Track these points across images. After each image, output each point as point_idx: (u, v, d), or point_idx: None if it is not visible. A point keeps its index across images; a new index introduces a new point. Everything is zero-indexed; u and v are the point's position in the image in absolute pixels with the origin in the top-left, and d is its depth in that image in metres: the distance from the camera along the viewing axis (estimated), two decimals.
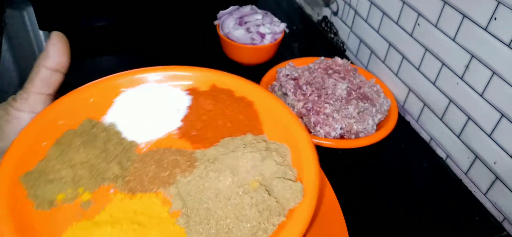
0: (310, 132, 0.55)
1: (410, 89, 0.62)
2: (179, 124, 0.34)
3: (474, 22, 0.49)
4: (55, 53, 0.31)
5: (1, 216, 0.26)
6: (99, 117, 0.35)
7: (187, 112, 0.35)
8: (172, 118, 0.35)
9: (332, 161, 0.51)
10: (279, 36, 0.68)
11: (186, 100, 0.36)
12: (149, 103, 0.36)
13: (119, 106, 0.35)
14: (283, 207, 0.26)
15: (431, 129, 0.59)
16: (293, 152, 0.30)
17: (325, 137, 0.54)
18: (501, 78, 0.46)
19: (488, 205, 0.52)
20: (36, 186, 0.29)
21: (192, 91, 0.37)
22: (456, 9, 0.51)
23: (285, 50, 0.74)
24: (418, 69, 0.59)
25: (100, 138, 0.32)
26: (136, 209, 0.28)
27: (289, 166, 0.29)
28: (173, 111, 0.35)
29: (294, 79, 0.60)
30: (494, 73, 0.47)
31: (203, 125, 0.34)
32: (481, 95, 0.50)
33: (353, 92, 0.58)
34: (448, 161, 0.57)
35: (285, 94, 0.59)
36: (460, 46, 0.51)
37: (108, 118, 0.34)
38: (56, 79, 0.32)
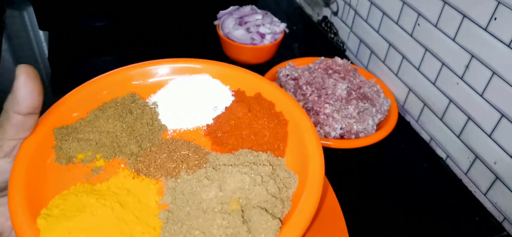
0: None
1: (410, 89, 0.62)
2: (210, 121, 0.35)
3: (474, 22, 0.48)
4: (25, 96, 0.26)
5: (21, 160, 0.28)
6: (148, 95, 0.36)
7: (221, 113, 0.35)
8: (207, 114, 0.36)
9: (332, 161, 0.51)
10: (279, 36, 0.68)
11: (228, 101, 0.36)
12: (196, 93, 0.36)
13: (169, 89, 0.37)
14: None
15: (431, 129, 0.59)
16: (299, 186, 0.29)
17: (325, 137, 0.54)
18: (501, 78, 0.46)
19: (488, 205, 0.52)
20: (64, 141, 0.31)
21: (237, 93, 0.37)
22: (456, 9, 0.51)
23: (285, 50, 0.74)
24: (418, 69, 0.59)
25: (133, 115, 0.34)
26: (131, 189, 0.29)
27: (284, 200, 0.28)
28: (211, 108, 0.36)
29: (294, 79, 0.60)
30: (494, 73, 0.47)
31: (229, 130, 0.34)
32: (481, 95, 0.50)
33: (353, 92, 0.58)
34: (448, 161, 0.57)
35: None
36: (460, 46, 0.51)
37: (155, 97, 0.36)
38: (30, 123, 0.28)
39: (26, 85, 0.26)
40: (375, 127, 0.55)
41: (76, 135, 0.31)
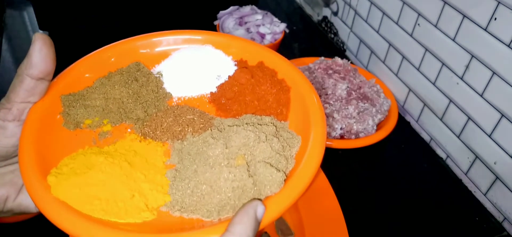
0: None
1: (410, 89, 0.62)
2: (214, 89, 0.36)
3: (474, 22, 0.49)
4: (40, 61, 0.28)
5: (30, 124, 0.28)
6: (153, 65, 0.37)
7: (225, 81, 0.36)
8: (210, 82, 0.36)
9: (332, 161, 0.51)
10: (279, 36, 0.68)
11: (231, 70, 0.37)
12: (199, 63, 0.37)
13: (173, 59, 0.38)
14: (259, 192, 0.26)
15: (431, 129, 0.59)
16: (303, 145, 0.30)
17: None
18: (501, 78, 0.46)
19: (488, 205, 0.52)
20: (72, 107, 0.32)
21: (239, 63, 0.38)
22: (456, 9, 0.51)
23: (285, 50, 0.74)
24: (418, 69, 0.59)
25: (138, 82, 0.35)
26: (138, 151, 0.30)
27: (287, 157, 0.29)
28: (215, 76, 0.37)
29: None
30: (494, 73, 0.47)
31: (233, 96, 0.34)
32: (481, 95, 0.50)
33: (353, 92, 0.58)
34: (448, 161, 0.57)
35: None
36: (460, 46, 0.51)
37: (160, 67, 0.37)
38: (41, 88, 0.29)
39: (41, 51, 0.28)
40: (375, 127, 0.55)
41: (83, 102, 0.32)
